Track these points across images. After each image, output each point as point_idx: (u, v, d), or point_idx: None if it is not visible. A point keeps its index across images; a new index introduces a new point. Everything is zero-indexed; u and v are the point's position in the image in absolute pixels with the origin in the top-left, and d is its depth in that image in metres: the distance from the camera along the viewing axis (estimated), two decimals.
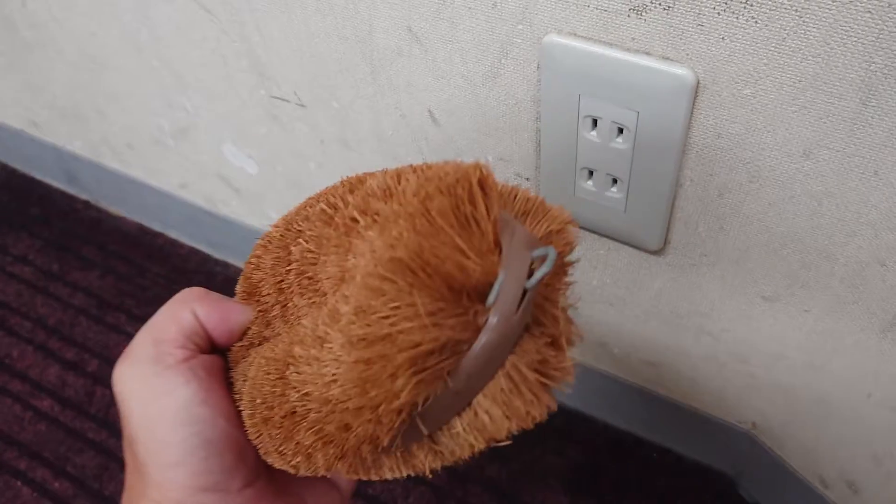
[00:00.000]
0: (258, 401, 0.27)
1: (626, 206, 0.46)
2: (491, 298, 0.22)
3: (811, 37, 0.33)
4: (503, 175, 0.51)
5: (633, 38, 0.39)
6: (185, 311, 0.30)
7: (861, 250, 0.40)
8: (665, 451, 0.69)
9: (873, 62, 0.33)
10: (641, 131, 0.42)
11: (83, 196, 0.99)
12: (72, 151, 0.91)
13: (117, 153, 0.85)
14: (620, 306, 0.56)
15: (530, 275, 0.22)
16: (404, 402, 0.22)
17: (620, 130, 0.43)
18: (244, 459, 0.29)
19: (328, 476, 0.32)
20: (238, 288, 0.32)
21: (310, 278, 0.27)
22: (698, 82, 0.38)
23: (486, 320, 0.22)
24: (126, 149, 0.82)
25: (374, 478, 0.26)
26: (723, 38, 0.36)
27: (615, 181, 0.45)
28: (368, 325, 0.21)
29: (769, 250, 0.44)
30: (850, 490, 0.54)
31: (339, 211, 0.27)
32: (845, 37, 0.33)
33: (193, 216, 0.84)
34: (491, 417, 0.23)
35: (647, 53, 0.39)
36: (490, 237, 0.22)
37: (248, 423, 0.28)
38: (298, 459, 0.26)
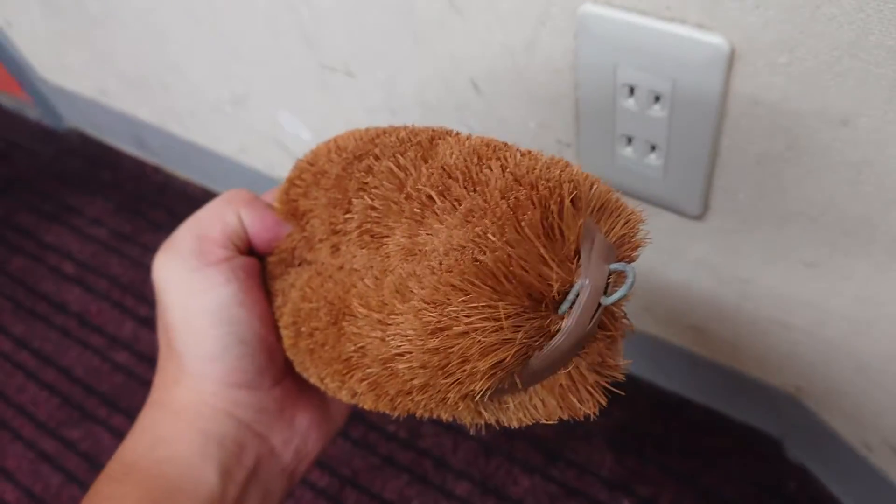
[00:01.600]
0: (303, 329, 0.28)
1: (664, 172, 0.47)
2: (564, 307, 0.22)
3: (846, 4, 0.33)
4: (544, 140, 0.52)
5: (668, 7, 0.39)
6: (230, 212, 0.30)
7: None
8: (711, 411, 0.70)
9: None
10: (678, 99, 0.42)
11: (152, 161, 1.04)
12: (140, 118, 0.95)
13: (181, 120, 0.88)
14: (663, 271, 0.56)
15: (606, 287, 0.23)
16: (474, 392, 0.23)
17: (657, 98, 0.43)
18: (274, 360, 0.30)
19: None
20: (278, 202, 0.33)
21: (372, 236, 0.27)
22: (733, 50, 0.38)
23: (560, 327, 0.23)
24: (189, 116, 0.86)
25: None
26: (757, 5, 0.35)
27: (653, 148, 0.46)
28: (444, 317, 0.22)
29: (809, 217, 0.44)
30: (894, 454, 0.54)
31: (410, 177, 0.27)
32: (881, 3, 0.32)
33: (254, 180, 0.88)
34: (545, 405, 0.25)
35: (682, 22, 0.39)
36: (572, 246, 0.23)
37: (287, 342, 0.29)
38: (342, 393, 0.27)
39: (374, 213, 0.27)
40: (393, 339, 0.24)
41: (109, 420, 0.79)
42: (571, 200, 0.23)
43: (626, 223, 0.25)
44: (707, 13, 0.37)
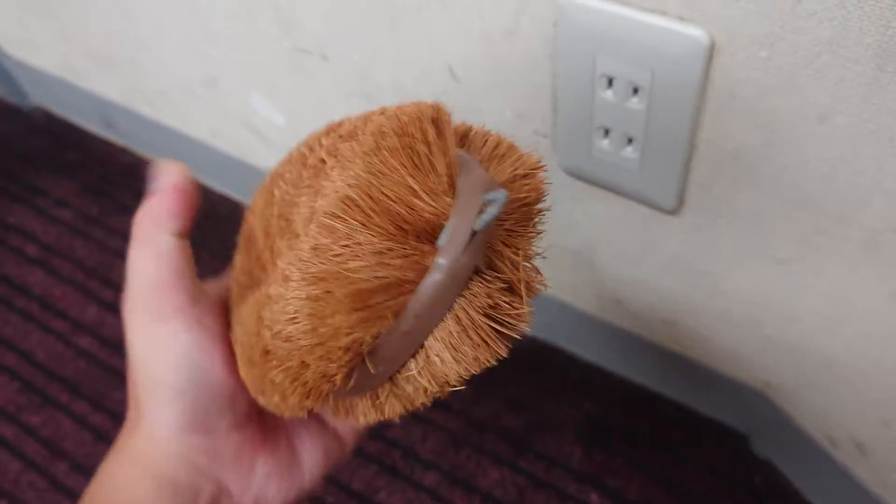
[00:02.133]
0: (245, 342, 0.27)
1: (640, 165, 0.46)
2: (441, 240, 0.22)
3: (828, 0, 0.33)
4: (521, 131, 0.52)
5: None
6: (162, 238, 0.29)
7: (875, 217, 0.40)
8: (680, 406, 0.70)
9: (890, 27, 0.32)
10: (656, 91, 0.41)
11: (120, 142, 1.02)
12: (108, 98, 0.92)
13: (151, 101, 0.86)
14: (636, 264, 0.56)
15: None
16: (350, 339, 0.22)
17: (636, 90, 0.42)
18: (235, 404, 0.30)
19: (326, 420, 0.33)
20: (240, 233, 0.33)
21: (287, 220, 0.27)
22: (713, 43, 0.38)
23: (434, 261, 0.22)
24: (158, 97, 0.84)
25: (353, 422, 0.27)
26: None
27: (630, 141, 0.45)
28: (322, 264, 0.22)
29: (783, 214, 0.44)
30: (858, 451, 0.54)
31: (313, 152, 0.27)
32: (862, 0, 0.32)
33: (224, 164, 0.86)
34: (442, 360, 0.23)
35: (663, 13, 0.38)
36: (444, 179, 0.22)
37: (239, 364, 0.29)
38: (276, 399, 0.26)
39: (287, 197, 0.27)
40: (289, 305, 0.23)
41: (71, 406, 0.77)
42: (433, 122, 0.22)
43: (521, 164, 0.25)
44: (687, 5, 0.37)
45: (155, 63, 0.78)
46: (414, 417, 0.72)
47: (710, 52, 0.38)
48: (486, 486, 0.68)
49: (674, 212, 0.49)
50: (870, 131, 0.36)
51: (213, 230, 0.91)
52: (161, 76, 0.79)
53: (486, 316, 0.23)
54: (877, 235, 0.41)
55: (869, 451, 0.53)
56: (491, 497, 0.67)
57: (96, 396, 0.77)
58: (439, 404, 0.70)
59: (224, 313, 0.31)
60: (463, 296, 0.23)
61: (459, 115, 0.52)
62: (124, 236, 0.91)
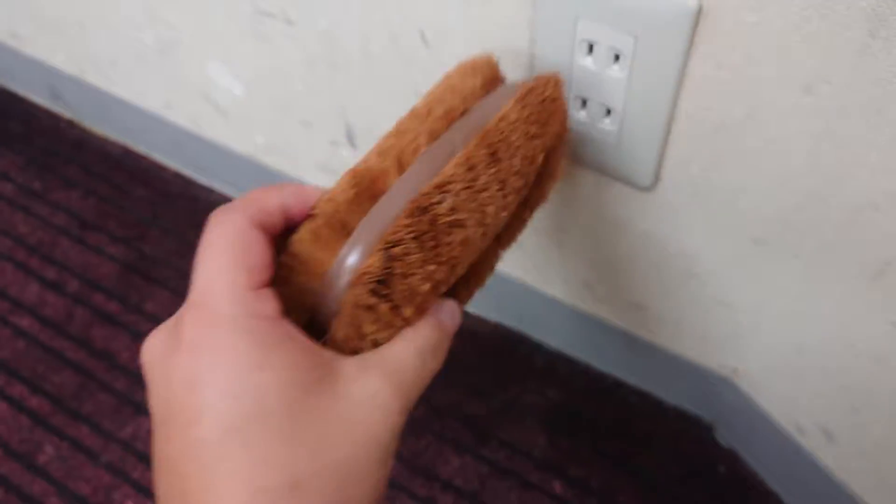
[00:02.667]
0: None
1: (618, 138, 0.45)
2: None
3: None
4: None
5: None
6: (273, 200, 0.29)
7: (856, 193, 0.39)
8: (645, 394, 0.69)
9: None
10: (639, 58, 0.40)
11: (67, 114, 0.97)
12: (55, 67, 0.88)
13: (101, 70, 0.82)
14: (608, 246, 0.55)
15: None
16: None
17: (617, 57, 0.41)
18: None
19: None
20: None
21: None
22: (701, 7, 0.36)
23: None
24: (109, 65, 0.80)
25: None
26: None
27: (609, 112, 0.44)
28: None
29: (763, 191, 0.43)
30: (826, 438, 0.54)
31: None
32: None
33: (179, 139, 0.82)
34: None
35: None
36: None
37: None
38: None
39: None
40: None
41: (7, 389, 0.73)
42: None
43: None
44: None
45: (106, 28, 0.74)
46: None
47: (697, 17, 0.36)
48: (447, 473, 0.66)
49: (649, 189, 0.48)
50: (857, 102, 0.35)
51: (165, 208, 0.87)
52: (112, 43, 0.75)
53: None
54: (857, 213, 0.40)
55: (836, 437, 0.53)
56: (452, 485, 0.65)
57: (35, 379, 0.73)
58: None
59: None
60: None
61: (430, 81, 0.50)
62: (69, 212, 0.87)
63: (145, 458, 0.67)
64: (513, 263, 0.64)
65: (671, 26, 0.37)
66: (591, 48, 0.41)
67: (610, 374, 0.71)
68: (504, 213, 0.36)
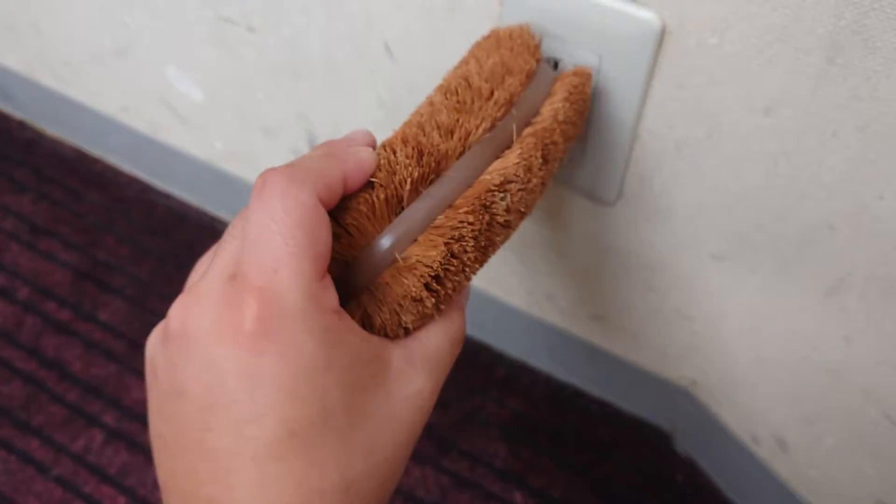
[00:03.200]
0: None
1: (582, 154, 0.45)
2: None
3: None
4: None
5: None
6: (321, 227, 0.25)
7: (812, 213, 0.40)
8: (605, 404, 0.70)
9: (843, 17, 0.32)
10: (603, 76, 0.40)
11: (18, 115, 0.94)
12: (5, 66, 0.85)
13: (54, 71, 0.80)
14: (571, 259, 0.55)
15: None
16: None
17: None
18: None
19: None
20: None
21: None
22: (664, 27, 0.37)
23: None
24: (63, 66, 0.78)
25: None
26: None
27: None
28: None
29: (723, 209, 0.43)
30: (780, 448, 0.55)
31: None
32: None
33: (136, 143, 0.80)
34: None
35: None
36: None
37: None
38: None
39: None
40: None
41: None
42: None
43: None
44: None
45: (61, 28, 0.72)
46: None
47: (661, 37, 0.37)
48: (407, 485, 0.65)
49: (612, 205, 0.48)
50: (814, 125, 0.36)
51: (121, 213, 0.85)
52: (67, 44, 0.73)
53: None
54: (813, 231, 0.41)
55: (790, 447, 0.54)
56: (413, 497, 0.65)
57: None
58: None
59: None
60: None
61: (394, 93, 0.49)
62: (19, 217, 0.85)
63: (98, 472, 0.66)
64: (476, 274, 0.64)
65: (635, 46, 0.38)
66: (556, 65, 0.41)
67: (571, 384, 0.71)
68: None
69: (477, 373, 0.72)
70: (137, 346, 0.73)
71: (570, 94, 0.36)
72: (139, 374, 0.71)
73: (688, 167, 0.42)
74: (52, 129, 0.92)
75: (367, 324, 0.28)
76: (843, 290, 0.42)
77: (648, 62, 0.38)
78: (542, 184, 0.34)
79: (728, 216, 0.44)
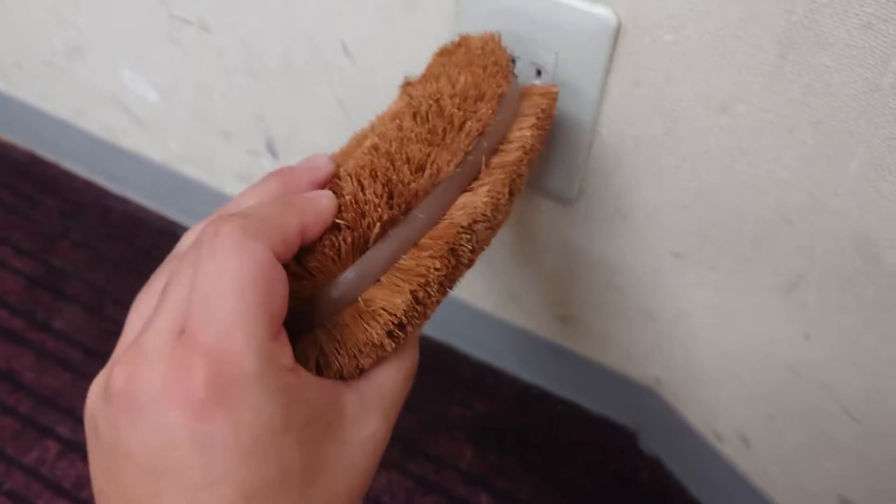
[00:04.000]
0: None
1: (543, 152, 0.45)
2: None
3: None
4: None
5: None
6: (276, 284, 0.24)
7: (770, 209, 0.40)
8: (570, 404, 0.70)
9: (794, 13, 0.32)
10: (560, 74, 0.40)
11: None
12: None
13: (5, 73, 0.77)
14: (534, 259, 0.55)
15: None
16: None
17: (539, 72, 0.41)
18: None
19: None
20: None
21: None
22: (620, 24, 0.36)
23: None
24: (14, 68, 0.76)
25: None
26: None
27: None
28: None
29: (682, 206, 0.43)
30: (743, 445, 0.55)
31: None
32: None
33: (90, 146, 0.78)
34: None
35: None
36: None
37: None
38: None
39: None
40: None
41: None
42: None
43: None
44: None
45: (10, 30, 0.70)
46: None
47: (617, 34, 0.37)
48: (373, 491, 0.64)
49: (573, 204, 0.48)
50: (770, 121, 0.36)
51: (76, 218, 0.83)
52: (18, 46, 0.71)
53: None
54: (771, 227, 0.41)
55: (753, 444, 0.54)
56: (378, 502, 0.64)
57: None
58: None
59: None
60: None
61: (352, 92, 0.49)
62: None
63: (52, 485, 0.64)
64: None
65: (591, 43, 0.37)
66: (513, 62, 0.41)
67: (536, 385, 0.71)
68: None
69: (442, 376, 0.72)
70: (94, 355, 0.71)
71: (539, 119, 0.35)
72: None
73: (646, 165, 0.42)
74: (4, 132, 0.89)
75: (322, 363, 0.27)
76: (802, 286, 0.42)
77: (605, 59, 0.38)
78: (505, 219, 0.33)
79: (687, 214, 0.44)
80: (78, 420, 0.67)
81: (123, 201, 0.83)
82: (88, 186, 0.85)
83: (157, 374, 0.22)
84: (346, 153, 0.33)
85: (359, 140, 0.34)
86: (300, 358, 0.26)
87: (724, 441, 0.57)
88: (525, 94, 0.36)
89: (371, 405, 0.27)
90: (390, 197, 0.28)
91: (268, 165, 0.63)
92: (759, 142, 0.37)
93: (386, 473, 0.65)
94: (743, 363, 0.50)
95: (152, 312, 0.24)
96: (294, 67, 0.52)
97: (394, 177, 0.28)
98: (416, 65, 0.46)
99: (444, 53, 0.37)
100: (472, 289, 0.63)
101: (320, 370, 0.27)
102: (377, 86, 0.49)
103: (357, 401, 0.27)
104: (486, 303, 0.64)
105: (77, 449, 0.65)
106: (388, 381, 0.28)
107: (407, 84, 0.37)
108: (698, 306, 0.49)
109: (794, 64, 0.33)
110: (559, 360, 0.65)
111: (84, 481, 0.63)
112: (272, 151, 0.62)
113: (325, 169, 0.30)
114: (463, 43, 0.37)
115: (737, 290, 0.46)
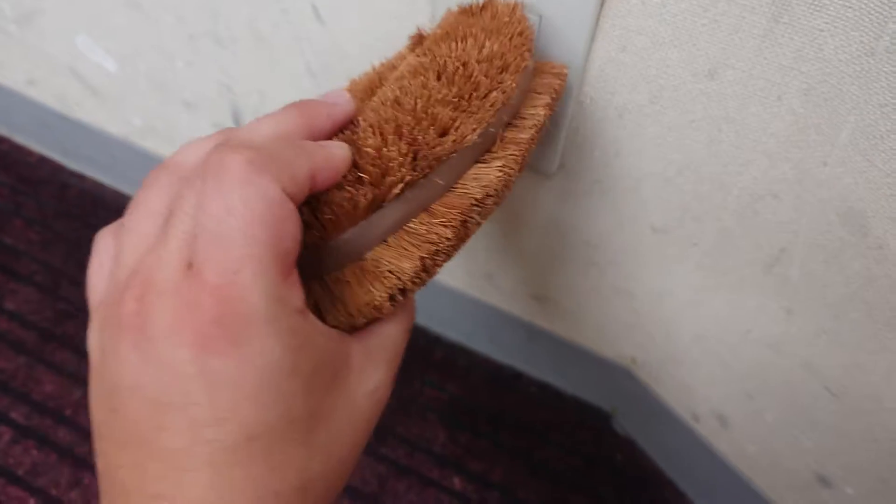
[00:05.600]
0: None
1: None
2: None
3: None
4: None
5: None
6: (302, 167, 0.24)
7: (755, 181, 0.39)
8: (544, 385, 0.69)
9: None
10: (543, 39, 0.38)
11: None
12: None
13: None
14: (511, 235, 0.53)
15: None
16: None
17: None
18: None
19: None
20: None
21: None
22: None
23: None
24: None
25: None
26: None
27: None
28: None
29: (664, 179, 0.42)
30: (720, 424, 0.54)
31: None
32: None
33: (44, 119, 0.75)
34: None
35: None
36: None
37: None
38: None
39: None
40: None
41: None
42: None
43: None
44: None
45: None
46: None
47: None
48: None
49: (552, 177, 0.46)
50: (759, 88, 0.35)
51: (29, 196, 0.79)
52: None
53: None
54: (755, 201, 0.40)
55: (731, 424, 0.54)
56: (349, 488, 0.62)
57: None
58: None
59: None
60: None
61: (323, 61, 0.46)
62: None
63: (6, 473, 0.61)
64: None
65: (576, 5, 0.36)
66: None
67: (509, 366, 0.70)
68: None
69: (414, 357, 0.70)
70: (49, 337, 0.68)
71: (553, 100, 0.34)
72: (51, 366, 0.66)
73: (629, 135, 0.41)
74: None
75: (317, 314, 0.26)
76: (785, 260, 0.41)
77: (591, 23, 0.36)
78: (507, 193, 0.33)
79: (670, 186, 0.42)
80: (33, 405, 0.64)
81: (80, 177, 0.80)
82: (42, 162, 0.81)
83: (167, 308, 0.22)
84: (356, 98, 0.32)
85: (366, 87, 0.33)
86: None
87: (700, 421, 0.56)
88: (538, 70, 0.35)
89: (375, 357, 0.27)
90: (415, 158, 0.27)
91: None
92: (747, 110, 0.36)
93: None
94: (722, 341, 0.49)
95: (156, 241, 0.23)
96: (262, 33, 0.49)
97: (420, 137, 0.27)
98: (389, 31, 0.44)
99: (468, 14, 0.35)
100: (446, 268, 0.62)
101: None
102: (350, 53, 0.47)
103: (362, 352, 0.26)
104: (461, 282, 0.62)
105: (31, 435, 0.62)
106: (392, 334, 0.28)
107: (421, 37, 0.36)
108: (678, 283, 0.48)
109: (786, 27, 0.32)
110: (533, 340, 0.63)
111: (40, 469, 0.60)
112: (238, 123, 0.59)
113: (347, 106, 0.29)
114: (489, 6, 0.35)
115: (718, 266, 0.45)
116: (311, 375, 0.23)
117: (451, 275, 0.62)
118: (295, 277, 0.23)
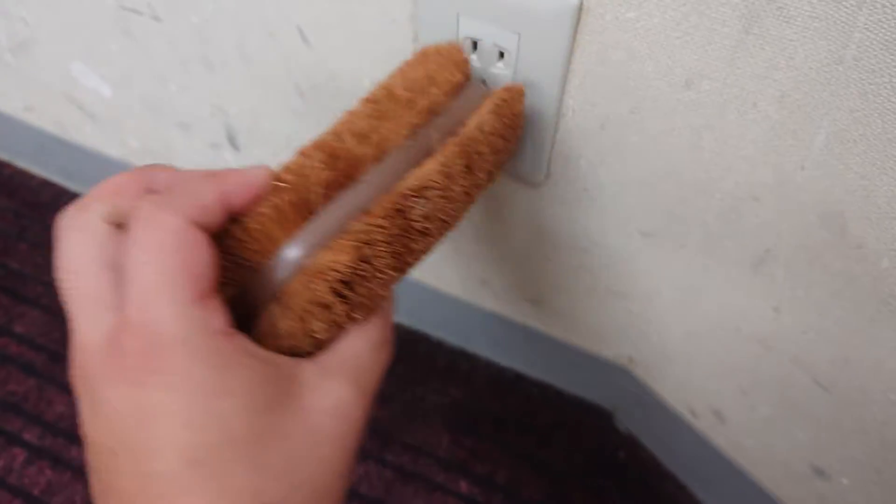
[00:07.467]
0: None
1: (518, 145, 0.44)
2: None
3: None
4: None
5: None
6: (198, 247, 0.24)
7: (737, 185, 0.40)
8: (545, 386, 0.70)
9: None
10: (523, 55, 0.39)
11: None
12: None
13: None
14: (503, 243, 0.54)
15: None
16: None
17: (502, 55, 0.40)
18: None
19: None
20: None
21: None
22: (581, 3, 0.36)
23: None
24: None
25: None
26: None
27: None
28: None
29: (649, 185, 0.43)
30: (717, 420, 0.55)
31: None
32: None
33: (44, 144, 0.76)
34: None
35: None
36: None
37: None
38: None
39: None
40: None
41: None
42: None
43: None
44: None
45: None
46: None
47: (579, 13, 0.36)
48: (351, 482, 0.64)
49: (540, 186, 0.47)
50: (734, 96, 0.36)
51: (33, 219, 0.81)
52: None
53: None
54: (738, 203, 0.41)
55: (727, 418, 0.55)
56: (356, 493, 0.63)
57: None
58: None
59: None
60: None
61: (312, 81, 0.47)
62: None
63: (21, 493, 0.62)
64: (396, 283, 0.63)
65: (553, 23, 0.37)
66: (475, 45, 0.40)
67: (510, 368, 0.71)
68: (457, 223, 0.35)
69: (417, 363, 0.71)
70: (58, 358, 0.70)
71: (498, 106, 0.35)
72: (61, 386, 0.67)
73: (613, 144, 0.42)
74: None
75: (272, 333, 0.27)
76: (770, 260, 0.42)
77: (568, 39, 0.37)
78: (467, 193, 0.33)
79: (654, 192, 0.43)
80: (46, 426, 0.65)
81: None
82: (45, 185, 0.83)
83: (98, 354, 0.23)
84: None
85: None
86: (258, 336, 0.26)
87: (698, 416, 0.57)
88: (487, 95, 0.37)
89: (332, 373, 0.27)
90: (333, 160, 0.28)
91: (230, 157, 0.62)
92: (725, 117, 0.37)
93: (363, 464, 0.65)
94: (714, 338, 0.50)
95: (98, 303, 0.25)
96: (250, 56, 0.50)
97: (337, 145, 0.29)
98: (374, 50, 0.45)
99: (403, 63, 0.37)
100: (442, 276, 0.63)
101: (282, 350, 0.27)
102: (337, 72, 0.48)
103: (315, 370, 0.26)
104: (457, 289, 0.63)
105: (45, 456, 0.64)
106: (351, 349, 0.28)
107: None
108: (668, 284, 0.49)
109: (757, 38, 0.33)
110: (532, 342, 0.64)
111: (54, 488, 0.62)
112: (234, 143, 0.60)
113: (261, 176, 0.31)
114: (422, 52, 0.37)
115: (706, 267, 0.46)
116: (248, 394, 0.23)
117: (447, 282, 0.63)
118: (215, 301, 0.24)
